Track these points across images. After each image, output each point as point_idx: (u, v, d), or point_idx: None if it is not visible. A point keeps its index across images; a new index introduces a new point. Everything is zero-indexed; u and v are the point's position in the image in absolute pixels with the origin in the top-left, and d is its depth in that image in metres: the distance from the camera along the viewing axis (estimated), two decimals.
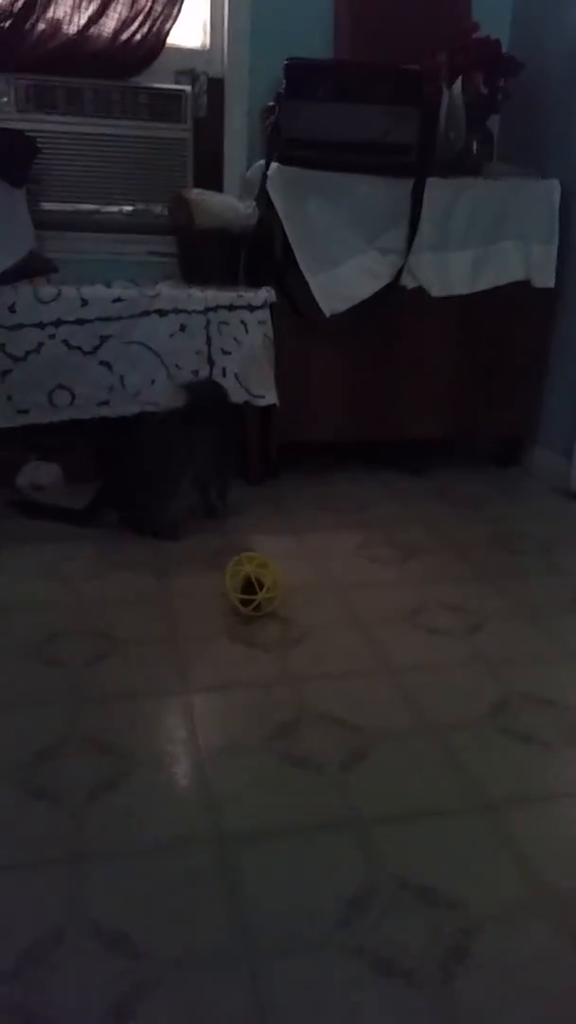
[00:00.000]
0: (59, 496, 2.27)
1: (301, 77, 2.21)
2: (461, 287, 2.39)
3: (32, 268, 2.24)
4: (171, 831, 1.10)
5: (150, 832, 1.10)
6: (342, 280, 2.30)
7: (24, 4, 2.37)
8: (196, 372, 2.28)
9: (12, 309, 2.10)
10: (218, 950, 0.92)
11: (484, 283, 2.41)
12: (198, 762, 1.25)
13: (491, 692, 1.44)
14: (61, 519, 2.10)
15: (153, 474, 2.02)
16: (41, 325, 2.13)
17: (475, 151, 2.45)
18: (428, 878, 1.02)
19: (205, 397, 2.16)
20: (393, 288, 2.34)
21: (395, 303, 2.36)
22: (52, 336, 2.14)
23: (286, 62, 2.22)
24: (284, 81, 2.22)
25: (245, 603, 1.65)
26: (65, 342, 2.15)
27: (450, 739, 1.31)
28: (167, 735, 1.33)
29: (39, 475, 2.29)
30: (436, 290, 2.38)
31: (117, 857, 1.05)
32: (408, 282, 2.35)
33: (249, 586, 1.65)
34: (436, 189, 2.31)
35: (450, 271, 2.38)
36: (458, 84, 2.33)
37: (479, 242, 2.39)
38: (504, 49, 2.49)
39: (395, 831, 1.11)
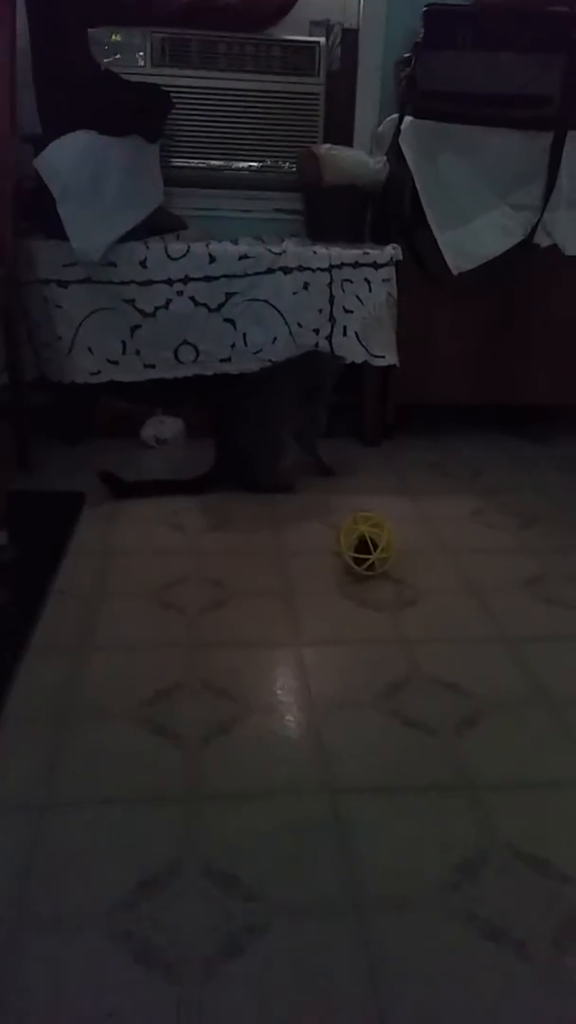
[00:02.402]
0: (180, 448, 2.34)
1: (441, 24, 2.13)
2: None
3: (162, 224, 2.28)
4: (283, 778, 1.13)
5: (263, 778, 1.13)
6: (472, 237, 2.23)
7: None
8: (317, 331, 2.27)
9: (143, 264, 2.14)
10: (327, 901, 0.94)
11: None
12: (310, 713, 1.27)
13: None
14: (153, 493, 2.04)
15: (259, 432, 2.04)
16: (170, 281, 2.17)
17: None
18: (541, 848, 1.01)
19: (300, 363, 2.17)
20: (525, 246, 2.25)
21: (527, 262, 2.27)
22: (180, 292, 2.17)
23: (425, 8, 2.14)
24: (422, 29, 2.15)
25: (358, 562, 1.65)
26: (192, 298, 2.18)
27: (567, 712, 1.28)
28: (279, 684, 1.36)
29: (162, 429, 2.36)
30: (571, 248, 2.27)
31: (230, 799, 1.09)
32: (542, 240, 2.26)
33: (363, 546, 1.65)
34: None
35: None
36: None
37: None
38: None
39: (508, 799, 1.10)
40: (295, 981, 0.85)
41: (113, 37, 2.39)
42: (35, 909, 0.92)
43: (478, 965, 0.87)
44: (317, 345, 2.27)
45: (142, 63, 2.42)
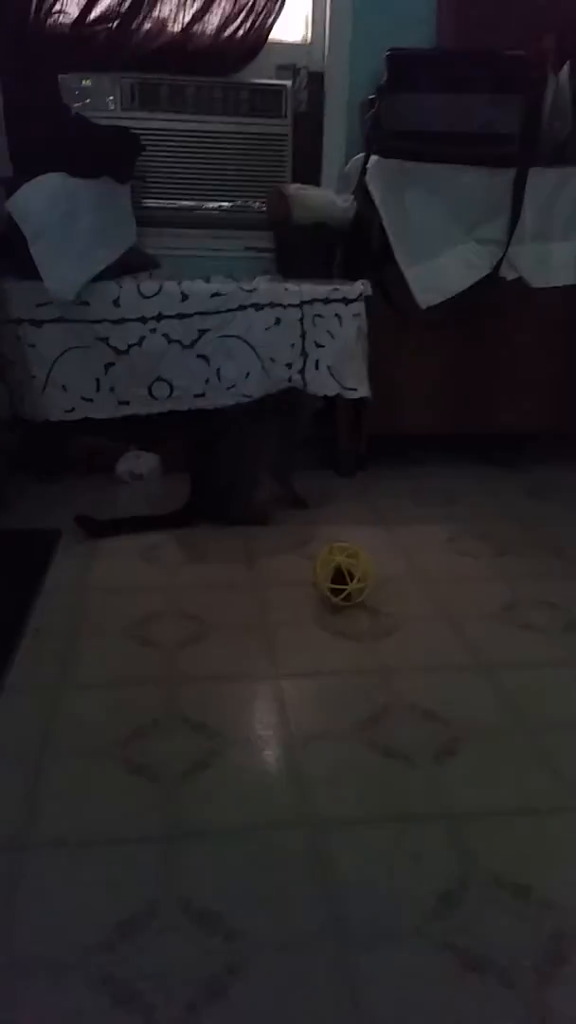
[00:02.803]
0: (155, 483, 2.34)
1: (403, 68, 2.20)
2: (562, 278, 2.33)
3: (135, 264, 2.31)
4: (263, 813, 1.12)
5: (242, 813, 1.12)
6: (439, 272, 2.27)
7: (131, 4, 2.44)
8: (290, 365, 2.29)
9: (116, 303, 2.16)
10: (310, 936, 0.93)
11: None
12: (289, 746, 1.26)
13: None
14: (130, 530, 2.01)
15: (234, 465, 2.05)
16: (143, 319, 2.19)
17: None
18: (522, 876, 1.01)
19: (277, 400, 2.20)
20: (491, 280, 2.30)
21: (493, 295, 2.32)
22: (153, 330, 2.20)
23: (388, 52, 2.21)
24: (386, 72, 2.22)
25: (335, 593, 1.66)
26: (166, 336, 2.20)
27: (544, 738, 1.28)
28: (258, 718, 1.35)
29: (138, 464, 2.36)
30: (536, 281, 2.32)
31: (210, 836, 1.08)
32: (508, 273, 2.31)
33: (339, 576, 1.66)
34: (539, 178, 2.25)
35: (551, 262, 2.33)
36: (565, 70, 2.27)
37: None
38: None
39: (488, 827, 1.10)
40: (277, 1018, 0.84)
41: (83, 82, 2.44)
42: (10, 953, 0.90)
43: (461, 995, 0.86)
44: (290, 380, 2.29)
45: (112, 107, 2.47)
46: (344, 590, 1.65)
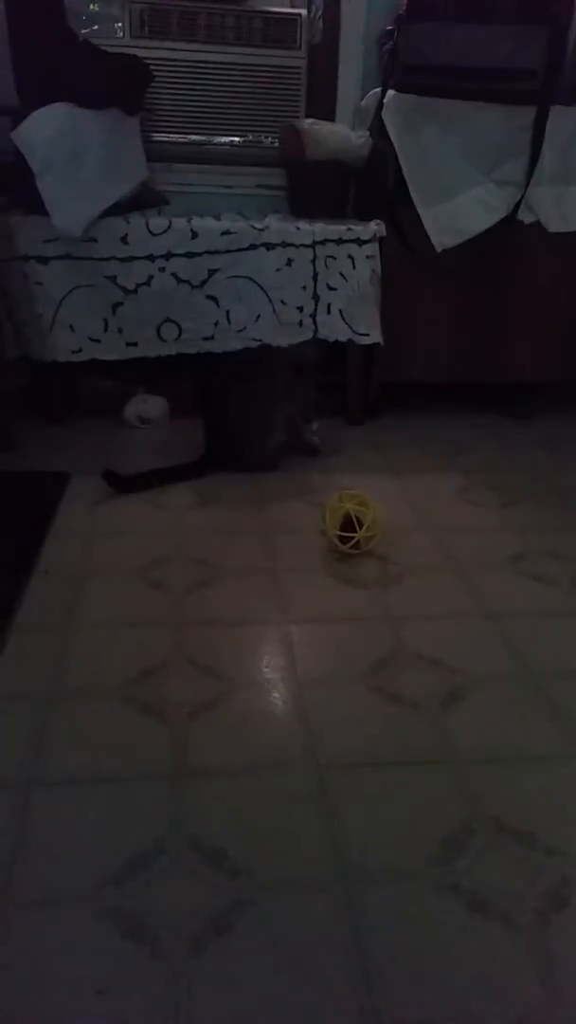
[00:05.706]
0: (164, 428, 2.32)
1: None
2: None
3: (143, 200, 2.25)
4: (269, 754, 1.13)
5: (249, 754, 1.13)
6: (455, 213, 2.22)
7: None
8: (301, 308, 2.25)
9: (124, 240, 2.11)
10: (314, 875, 0.95)
11: None
12: (296, 690, 1.27)
13: None
14: (159, 483, 1.97)
15: (247, 412, 2.03)
16: (152, 258, 2.14)
17: None
18: (526, 822, 1.02)
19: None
20: (509, 223, 2.24)
21: (510, 239, 2.26)
22: (162, 269, 2.15)
23: None
24: (404, 1, 2.12)
25: (344, 540, 1.65)
26: (174, 275, 2.15)
27: (551, 687, 1.29)
28: (266, 662, 1.36)
29: (146, 408, 2.34)
30: (554, 225, 2.27)
31: (217, 776, 1.09)
32: (525, 216, 2.25)
33: (348, 524, 1.66)
34: (561, 118, 2.18)
35: (571, 206, 2.26)
36: None
37: None
38: None
39: (493, 773, 1.11)
40: (282, 955, 0.85)
41: (91, 7, 2.33)
42: (21, 887, 0.92)
43: (463, 937, 0.88)
44: (301, 324, 2.25)
45: (120, 34, 2.37)
46: (353, 538, 1.64)
